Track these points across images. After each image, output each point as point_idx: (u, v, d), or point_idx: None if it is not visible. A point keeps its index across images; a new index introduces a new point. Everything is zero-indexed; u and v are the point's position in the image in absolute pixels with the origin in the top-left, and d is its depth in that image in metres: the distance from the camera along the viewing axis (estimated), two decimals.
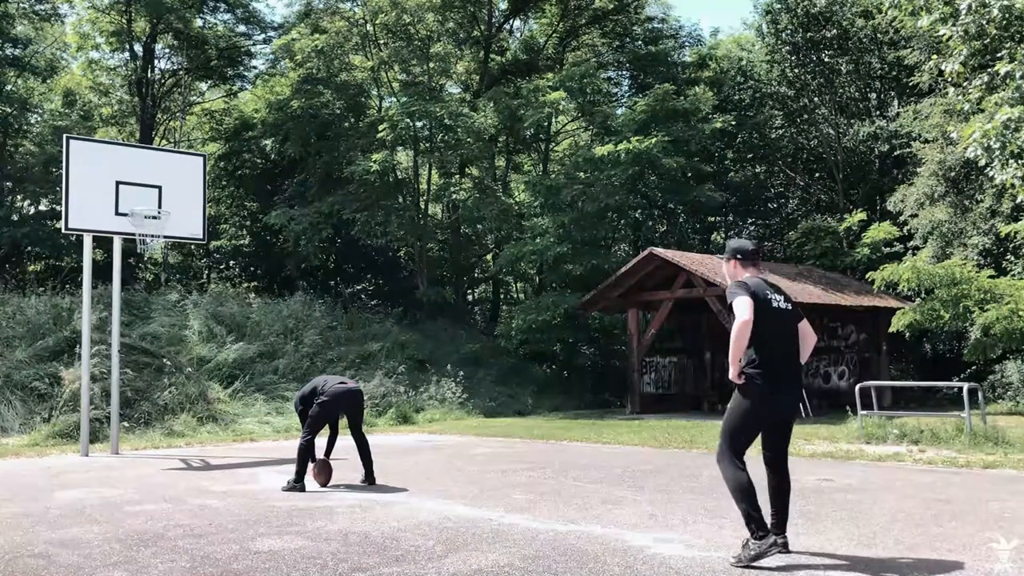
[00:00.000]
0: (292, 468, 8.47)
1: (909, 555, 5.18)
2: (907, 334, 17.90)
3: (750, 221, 30.96)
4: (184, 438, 14.12)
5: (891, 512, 6.60)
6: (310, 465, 8.37)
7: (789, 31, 26.78)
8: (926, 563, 4.98)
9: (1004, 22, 11.67)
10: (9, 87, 25.62)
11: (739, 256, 5.35)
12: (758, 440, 5.28)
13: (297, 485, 8.15)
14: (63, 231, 12.34)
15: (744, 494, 4.95)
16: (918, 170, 22.20)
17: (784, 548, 5.16)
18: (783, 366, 5.05)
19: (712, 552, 5.31)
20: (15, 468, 10.43)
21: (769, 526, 5.06)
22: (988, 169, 12.03)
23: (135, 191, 12.10)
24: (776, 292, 5.21)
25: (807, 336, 5.28)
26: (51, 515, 6.96)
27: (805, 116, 28.02)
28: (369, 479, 8.54)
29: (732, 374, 5.02)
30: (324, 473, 8.42)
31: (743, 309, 4.91)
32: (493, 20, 28.75)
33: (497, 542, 5.68)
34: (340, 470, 9.55)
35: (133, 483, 8.91)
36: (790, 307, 5.21)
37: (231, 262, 31.31)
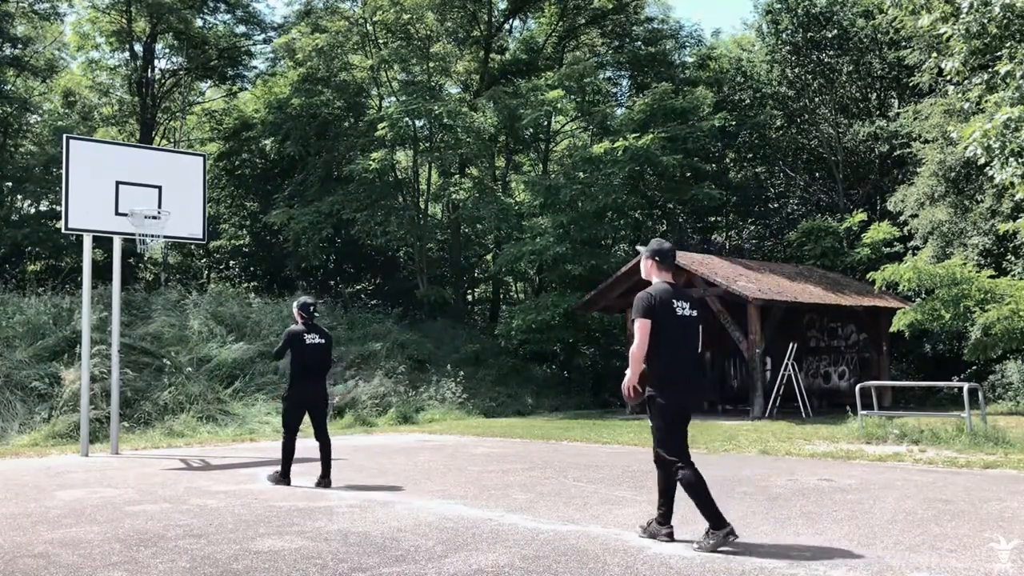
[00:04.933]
0: (292, 468, 8.63)
1: (909, 555, 5.18)
2: (907, 334, 17.89)
3: (750, 221, 30.94)
4: (184, 438, 14.12)
5: (891, 512, 6.60)
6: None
7: (789, 31, 26.75)
8: (926, 563, 4.98)
9: (1005, 21, 11.67)
10: (9, 87, 25.61)
11: (657, 257, 5.71)
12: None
13: (283, 480, 8.41)
14: (63, 231, 12.34)
15: (694, 493, 5.35)
16: (918, 170, 22.19)
17: (670, 538, 5.54)
18: (686, 369, 5.48)
19: (712, 552, 5.30)
20: (15, 468, 10.43)
21: (657, 517, 5.63)
22: (988, 169, 12.03)
23: (135, 191, 12.10)
24: (683, 299, 5.56)
25: None
26: (51, 515, 6.96)
27: (805, 116, 28.01)
28: (325, 481, 8.35)
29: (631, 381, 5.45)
30: None
31: (638, 333, 5.42)
32: (493, 20, 28.74)
33: (497, 542, 5.68)
34: (340, 470, 9.56)
35: (133, 483, 8.91)
36: (695, 314, 5.57)
37: (231, 262, 31.30)
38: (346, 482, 8.68)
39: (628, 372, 5.44)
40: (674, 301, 5.50)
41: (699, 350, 5.59)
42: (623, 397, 5.57)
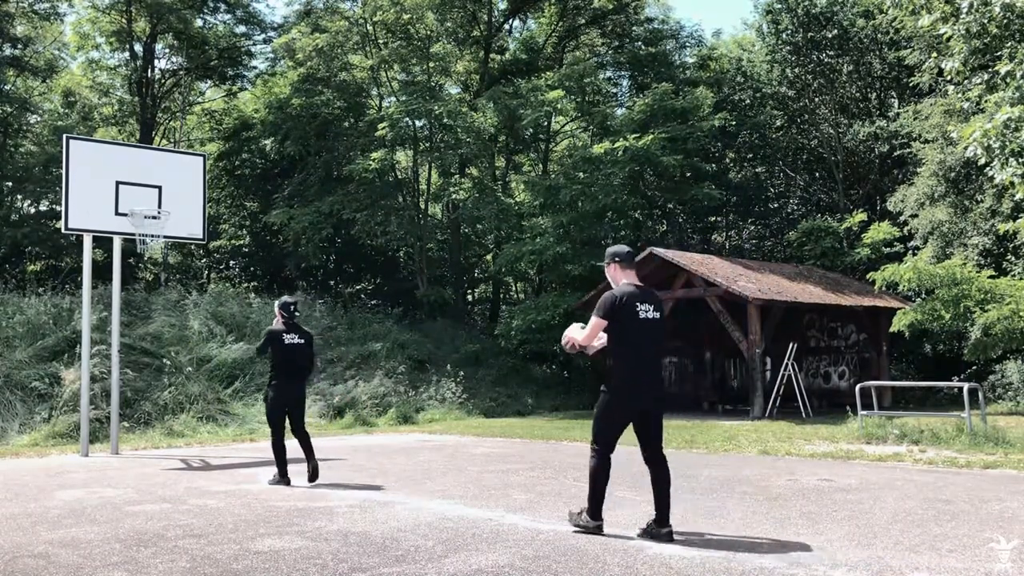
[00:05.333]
0: (290, 468, 8.68)
1: (909, 555, 5.17)
2: (907, 334, 17.89)
3: (750, 221, 30.95)
4: (184, 438, 14.12)
5: (891, 512, 6.60)
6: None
7: (789, 31, 26.75)
8: (926, 563, 4.98)
9: (1005, 21, 11.67)
10: (9, 87, 25.61)
11: (617, 259, 5.87)
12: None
13: (282, 480, 8.48)
14: (63, 231, 12.34)
15: (593, 479, 5.76)
16: (918, 170, 22.19)
17: (669, 539, 5.58)
18: (642, 372, 5.67)
19: (712, 552, 5.31)
20: (15, 468, 10.43)
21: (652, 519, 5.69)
22: (988, 169, 12.03)
23: (135, 191, 12.10)
24: (648, 301, 5.70)
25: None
26: (51, 515, 6.96)
27: (805, 116, 28.01)
28: (311, 465, 8.51)
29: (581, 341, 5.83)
30: None
31: (589, 328, 5.71)
32: (493, 20, 28.75)
33: (497, 542, 5.67)
34: (340, 470, 9.56)
35: (133, 483, 8.91)
36: (658, 316, 5.73)
37: (231, 262, 31.31)
38: (346, 482, 8.68)
39: (576, 333, 5.83)
40: (638, 304, 5.65)
41: (661, 350, 5.87)
42: (565, 339, 5.92)
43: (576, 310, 21.31)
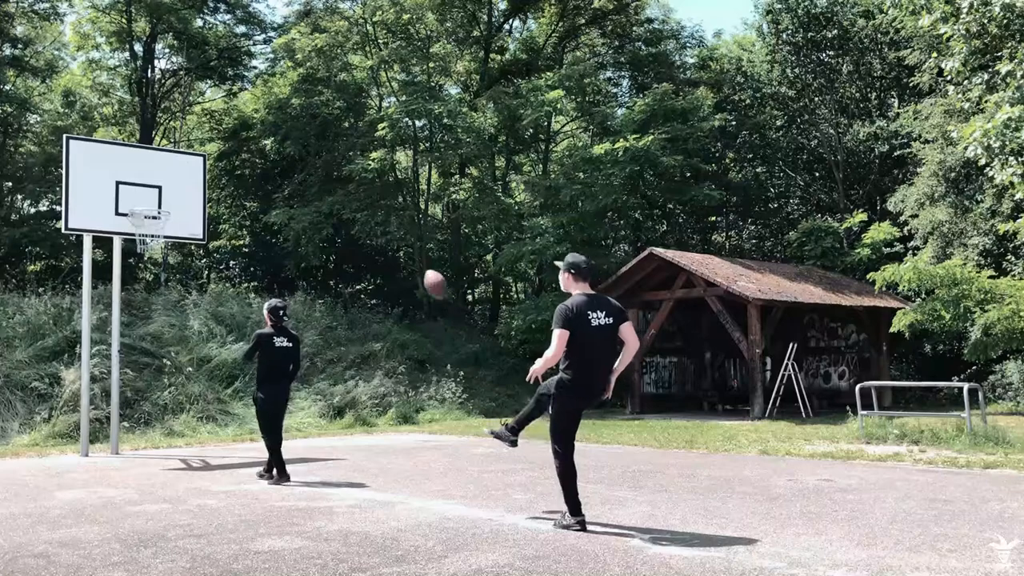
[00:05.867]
0: (291, 468, 8.78)
1: (909, 555, 5.17)
2: (907, 334, 17.88)
3: (750, 221, 30.95)
4: (184, 438, 14.12)
5: (891, 512, 6.60)
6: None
7: (790, 31, 26.76)
8: (926, 563, 4.98)
9: (1005, 21, 11.68)
10: (9, 87, 25.61)
11: (573, 271, 6.07)
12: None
13: (282, 480, 8.56)
14: (63, 231, 12.34)
15: (563, 481, 6.00)
16: (918, 170, 22.19)
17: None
18: (593, 375, 5.94)
19: (712, 552, 5.31)
20: (15, 468, 10.43)
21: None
22: (988, 169, 12.04)
23: (135, 191, 12.10)
24: (599, 308, 5.92)
25: (628, 342, 6.07)
26: (51, 515, 6.96)
27: (805, 116, 28.01)
28: (275, 476, 8.70)
29: (538, 371, 5.99)
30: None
31: (556, 342, 5.84)
32: (493, 20, 28.75)
33: (497, 542, 5.68)
34: (340, 470, 9.57)
35: (133, 483, 8.91)
36: (611, 321, 5.93)
37: (231, 262, 31.30)
38: (346, 482, 8.69)
39: (539, 362, 5.92)
40: (589, 312, 5.89)
41: (613, 353, 6.06)
42: (530, 375, 6.11)
43: None
